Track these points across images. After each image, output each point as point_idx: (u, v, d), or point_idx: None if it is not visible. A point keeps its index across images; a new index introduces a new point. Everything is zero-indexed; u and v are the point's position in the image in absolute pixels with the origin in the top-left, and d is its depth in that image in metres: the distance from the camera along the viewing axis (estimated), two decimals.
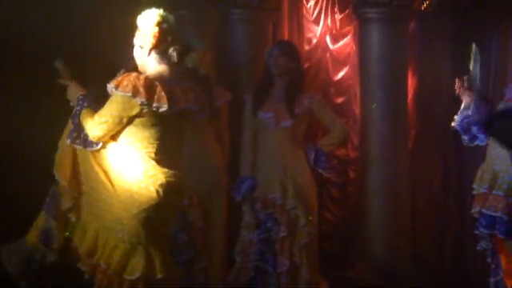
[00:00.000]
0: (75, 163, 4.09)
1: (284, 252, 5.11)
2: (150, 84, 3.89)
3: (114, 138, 3.99)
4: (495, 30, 5.87)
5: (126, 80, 3.86)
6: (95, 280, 3.98)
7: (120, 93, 3.86)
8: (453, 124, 5.02)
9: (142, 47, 4.05)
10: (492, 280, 4.94)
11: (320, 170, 5.23)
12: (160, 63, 4.03)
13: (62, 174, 4.07)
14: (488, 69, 5.90)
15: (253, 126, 5.30)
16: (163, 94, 3.88)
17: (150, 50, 4.03)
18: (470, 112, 4.85)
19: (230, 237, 5.36)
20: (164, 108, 3.88)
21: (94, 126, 3.94)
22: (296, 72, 5.24)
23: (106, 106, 3.94)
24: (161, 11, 4.04)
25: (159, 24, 4.00)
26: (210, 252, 5.26)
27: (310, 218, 5.15)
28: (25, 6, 5.28)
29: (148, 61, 4.06)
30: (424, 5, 6.02)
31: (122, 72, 4.06)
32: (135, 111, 3.89)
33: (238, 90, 5.60)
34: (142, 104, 3.86)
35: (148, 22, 4.00)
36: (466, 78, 5.01)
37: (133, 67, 4.12)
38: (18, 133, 5.15)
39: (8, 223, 4.85)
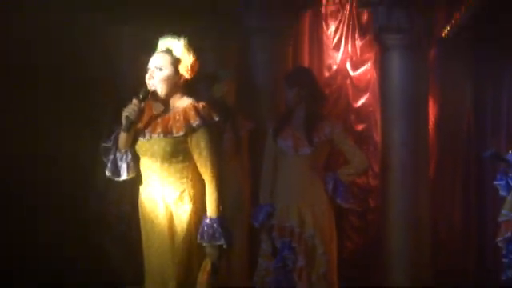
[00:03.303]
0: None
1: (302, 281, 5.03)
2: None
3: None
4: None
5: None
6: None
7: None
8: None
9: (176, 75, 3.93)
10: None
11: (338, 200, 5.13)
12: (190, 93, 3.97)
13: None
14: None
15: (273, 153, 5.25)
16: None
17: (185, 79, 3.95)
18: None
19: (253, 266, 5.32)
20: None
21: None
22: (312, 98, 5.18)
23: None
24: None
25: (196, 54, 3.94)
26: (231, 279, 5.22)
27: (328, 247, 5.10)
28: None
29: (178, 89, 3.96)
30: (444, 31, 5.99)
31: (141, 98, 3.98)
32: None
33: (257, 118, 5.61)
34: None
35: (186, 52, 3.94)
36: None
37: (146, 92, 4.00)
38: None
39: None
